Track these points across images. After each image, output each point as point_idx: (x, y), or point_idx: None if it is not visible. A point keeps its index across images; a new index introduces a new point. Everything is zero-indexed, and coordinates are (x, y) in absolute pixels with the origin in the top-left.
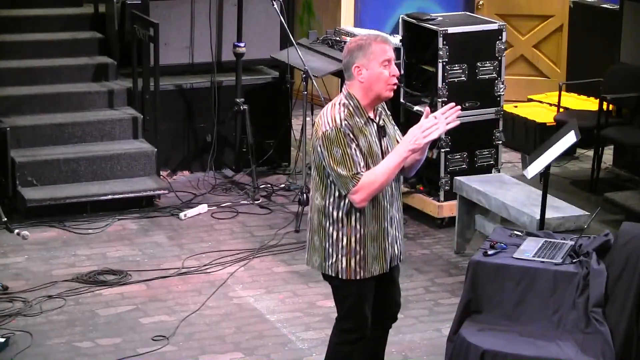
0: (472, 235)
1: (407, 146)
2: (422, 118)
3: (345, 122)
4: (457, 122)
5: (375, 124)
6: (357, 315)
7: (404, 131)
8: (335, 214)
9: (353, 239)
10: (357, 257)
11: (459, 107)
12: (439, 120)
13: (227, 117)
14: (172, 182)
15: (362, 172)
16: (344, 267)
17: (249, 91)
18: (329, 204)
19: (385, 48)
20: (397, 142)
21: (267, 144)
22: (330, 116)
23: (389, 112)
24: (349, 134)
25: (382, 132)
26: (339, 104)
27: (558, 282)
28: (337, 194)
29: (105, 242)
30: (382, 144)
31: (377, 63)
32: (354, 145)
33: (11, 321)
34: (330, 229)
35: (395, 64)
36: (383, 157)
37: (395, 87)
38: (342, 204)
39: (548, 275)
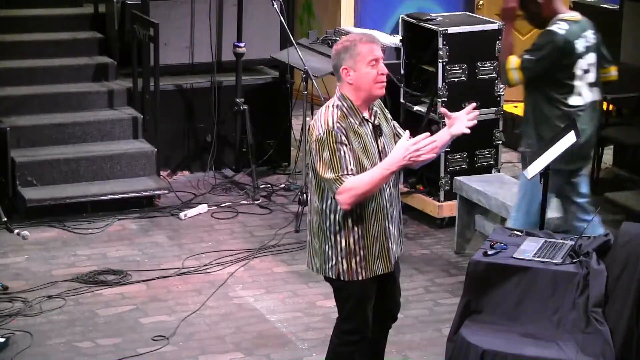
0: (472, 235)
1: (399, 162)
2: (447, 122)
3: (338, 124)
4: (473, 124)
5: (370, 124)
6: (359, 317)
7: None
8: (332, 217)
9: (352, 241)
10: (357, 257)
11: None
12: (460, 120)
13: (227, 117)
14: (172, 182)
15: (349, 175)
16: (345, 268)
17: (249, 91)
18: (326, 207)
19: (372, 47)
20: (398, 136)
21: (267, 144)
22: (323, 119)
23: (386, 110)
24: (340, 136)
25: (378, 131)
26: (333, 106)
27: (558, 282)
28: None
29: (105, 242)
30: (379, 143)
31: (364, 64)
32: (344, 149)
33: (11, 321)
34: (329, 231)
35: (395, 64)
36: (380, 157)
37: (385, 84)
38: (339, 206)
39: (548, 275)
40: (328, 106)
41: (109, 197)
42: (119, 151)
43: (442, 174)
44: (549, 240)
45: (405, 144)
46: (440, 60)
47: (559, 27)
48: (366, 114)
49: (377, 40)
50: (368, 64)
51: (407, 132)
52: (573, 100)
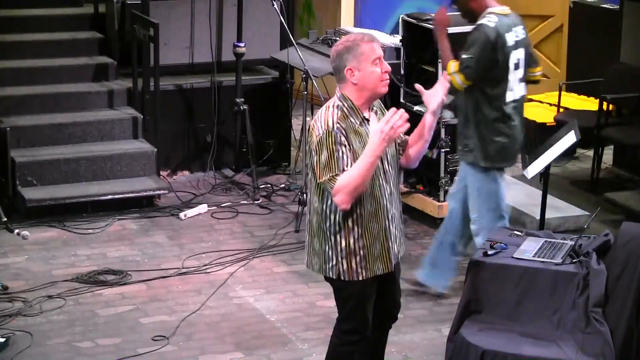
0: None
1: (379, 145)
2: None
3: (338, 124)
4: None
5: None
6: (359, 317)
7: None
8: (332, 217)
9: (352, 241)
10: (358, 257)
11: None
12: (435, 94)
13: (227, 117)
14: (172, 182)
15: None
16: (345, 268)
17: (249, 91)
18: (326, 207)
19: (374, 46)
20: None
21: (267, 144)
22: (323, 119)
23: (385, 110)
24: (340, 137)
25: None
26: (333, 106)
27: (558, 282)
28: None
29: (105, 242)
30: None
31: (369, 63)
32: (342, 149)
33: (11, 321)
34: (329, 232)
35: (395, 64)
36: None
37: (388, 81)
38: (339, 207)
39: (548, 275)
40: (328, 106)
41: (109, 197)
42: (119, 151)
43: (442, 174)
44: (549, 240)
45: (378, 126)
46: (441, 60)
47: (489, 20)
48: (367, 114)
49: (377, 39)
50: (372, 63)
51: (373, 114)
52: (508, 97)
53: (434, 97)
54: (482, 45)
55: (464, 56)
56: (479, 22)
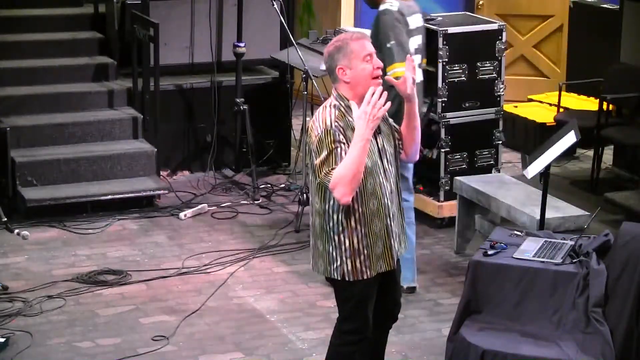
0: (472, 235)
1: (366, 128)
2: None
3: (336, 123)
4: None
5: None
6: (360, 317)
7: None
8: (335, 217)
9: (355, 240)
10: (362, 257)
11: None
12: (406, 80)
13: (227, 117)
14: (172, 182)
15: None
16: (350, 269)
17: (249, 91)
18: (328, 208)
19: (364, 43)
20: (397, 132)
21: (267, 144)
22: (321, 119)
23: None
24: (338, 135)
25: (376, 129)
26: (330, 105)
27: (558, 282)
28: None
29: (105, 242)
30: (378, 141)
31: (359, 60)
32: (341, 146)
33: (11, 321)
34: (332, 232)
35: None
36: (379, 154)
37: (381, 77)
38: (341, 206)
39: (548, 275)
40: (325, 106)
41: (109, 197)
42: (119, 151)
43: (442, 174)
44: (549, 240)
45: (360, 110)
46: (440, 60)
47: (391, 5)
48: None
49: (367, 36)
50: (363, 60)
51: (354, 102)
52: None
53: (406, 83)
54: (395, 28)
55: (387, 46)
56: (381, 8)
